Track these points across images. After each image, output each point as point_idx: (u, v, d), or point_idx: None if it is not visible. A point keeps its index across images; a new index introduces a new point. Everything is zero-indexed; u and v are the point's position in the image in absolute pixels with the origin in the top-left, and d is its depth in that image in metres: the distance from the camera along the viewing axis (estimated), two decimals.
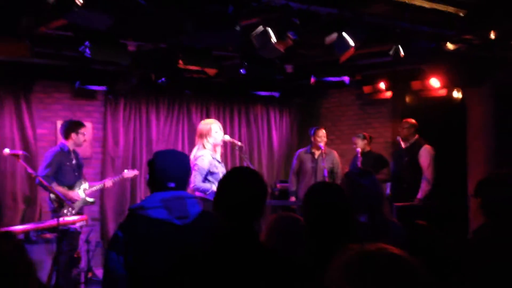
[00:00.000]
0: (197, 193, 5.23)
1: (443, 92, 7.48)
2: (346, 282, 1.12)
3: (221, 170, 5.35)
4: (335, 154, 7.20)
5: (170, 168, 2.62)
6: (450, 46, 5.94)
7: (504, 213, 2.61)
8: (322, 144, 6.96)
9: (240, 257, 2.08)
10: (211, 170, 5.28)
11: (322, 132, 7.08)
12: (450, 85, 7.37)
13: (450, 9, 5.08)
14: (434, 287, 1.13)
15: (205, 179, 5.28)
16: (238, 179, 2.21)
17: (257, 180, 2.21)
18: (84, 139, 6.15)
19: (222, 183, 2.23)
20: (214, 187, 5.26)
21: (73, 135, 5.99)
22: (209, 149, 5.35)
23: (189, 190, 5.07)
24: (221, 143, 5.50)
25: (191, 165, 5.11)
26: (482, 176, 3.03)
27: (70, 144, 5.99)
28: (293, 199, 7.19)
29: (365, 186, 2.98)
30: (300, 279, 2.13)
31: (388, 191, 7.27)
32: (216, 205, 2.19)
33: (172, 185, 2.60)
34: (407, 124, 7.05)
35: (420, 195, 6.71)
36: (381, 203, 3.08)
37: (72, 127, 6.04)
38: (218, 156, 5.45)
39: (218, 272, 2.04)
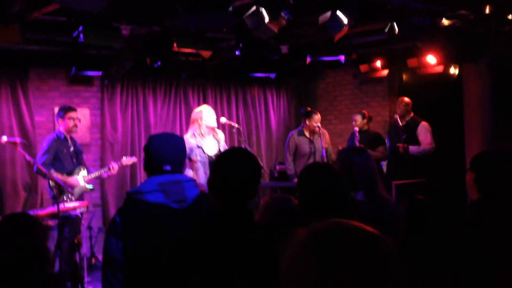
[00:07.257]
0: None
1: (439, 68, 7.47)
2: (302, 260, 1.05)
3: (202, 160, 5.41)
4: (326, 133, 7.17)
5: (165, 151, 2.60)
6: (445, 22, 5.91)
7: (496, 188, 2.60)
8: (320, 125, 6.91)
9: (236, 237, 2.08)
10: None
11: (318, 117, 6.94)
12: (446, 62, 7.35)
13: None
14: (401, 264, 1.06)
15: None
16: (232, 160, 2.21)
17: (251, 161, 2.21)
18: (74, 124, 5.92)
19: (215, 164, 2.22)
20: (189, 172, 5.38)
21: (59, 120, 5.93)
22: (197, 134, 5.44)
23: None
24: (215, 126, 5.51)
25: None
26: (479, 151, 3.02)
27: (64, 131, 5.98)
28: (296, 180, 7.06)
29: (358, 163, 3.00)
30: None
31: (384, 169, 7.28)
32: (209, 186, 2.20)
33: (168, 168, 2.59)
34: (402, 102, 7.05)
35: (411, 148, 6.72)
36: (375, 179, 3.09)
37: (59, 112, 5.97)
38: (209, 140, 5.49)
39: (214, 253, 2.05)
